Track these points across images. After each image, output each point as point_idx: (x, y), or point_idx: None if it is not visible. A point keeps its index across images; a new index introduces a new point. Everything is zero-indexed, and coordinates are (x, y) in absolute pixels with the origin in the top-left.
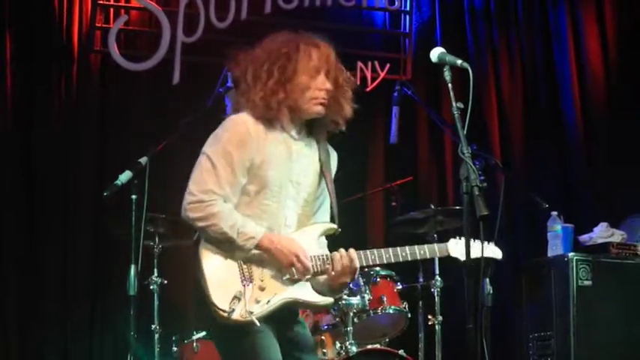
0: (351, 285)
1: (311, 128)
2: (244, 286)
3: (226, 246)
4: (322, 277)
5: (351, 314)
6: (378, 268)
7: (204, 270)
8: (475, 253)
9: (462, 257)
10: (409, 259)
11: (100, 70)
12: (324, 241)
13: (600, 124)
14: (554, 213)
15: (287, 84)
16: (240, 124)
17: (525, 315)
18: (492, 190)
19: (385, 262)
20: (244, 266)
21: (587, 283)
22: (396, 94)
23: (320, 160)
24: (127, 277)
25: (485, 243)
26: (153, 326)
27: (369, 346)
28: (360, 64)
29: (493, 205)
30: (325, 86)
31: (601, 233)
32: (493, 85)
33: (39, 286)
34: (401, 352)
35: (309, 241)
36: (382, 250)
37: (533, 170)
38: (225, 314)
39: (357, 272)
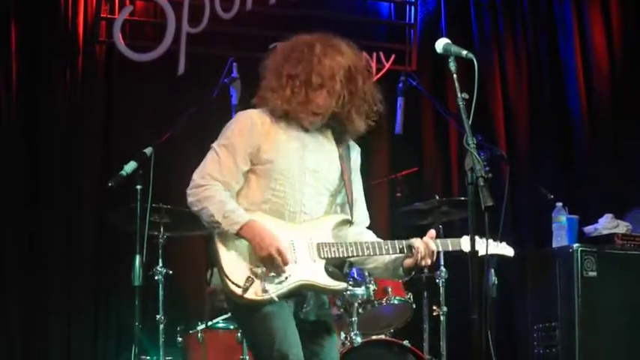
0: (355, 275)
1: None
2: (259, 267)
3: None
4: (389, 259)
5: (356, 305)
6: None
7: (219, 252)
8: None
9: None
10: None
11: (105, 61)
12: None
13: (605, 116)
14: (559, 204)
15: (307, 90)
16: (246, 117)
17: (530, 306)
18: (497, 181)
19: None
20: None
21: (592, 274)
22: (401, 84)
23: (340, 155)
24: (131, 267)
25: (497, 242)
26: (158, 317)
27: (374, 337)
28: (365, 54)
29: (498, 196)
30: (324, 104)
31: (606, 224)
32: (498, 76)
33: (43, 277)
34: (405, 342)
35: (321, 231)
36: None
37: (538, 161)
38: (240, 291)
39: (435, 255)
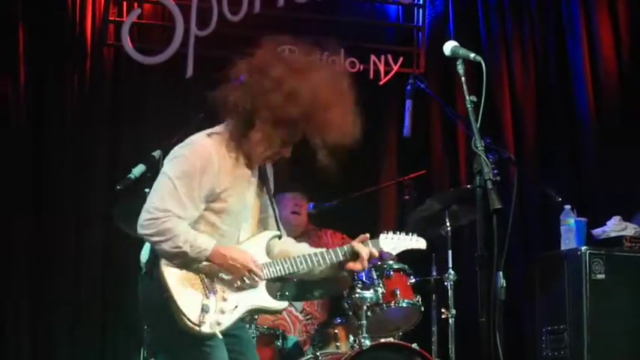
0: (364, 279)
1: None
2: (208, 297)
3: (180, 260)
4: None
5: (365, 308)
6: (391, 262)
7: (169, 285)
8: (402, 246)
9: (394, 251)
10: (334, 260)
11: (113, 64)
12: (282, 241)
13: (613, 117)
14: (568, 206)
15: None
16: (204, 151)
17: (538, 308)
18: (505, 183)
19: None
20: (206, 279)
21: (601, 276)
22: (409, 87)
23: (260, 174)
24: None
25: (410, 235)
26: None
27: (383, 340)
28: (373, 57)
29: (506, 199)
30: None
31: (614, 227)
32: (506, 78)
33: (52, 280)
34: (414, 345)
35: (258, 250)
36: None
37: (547, 164)
38: (197, 327)
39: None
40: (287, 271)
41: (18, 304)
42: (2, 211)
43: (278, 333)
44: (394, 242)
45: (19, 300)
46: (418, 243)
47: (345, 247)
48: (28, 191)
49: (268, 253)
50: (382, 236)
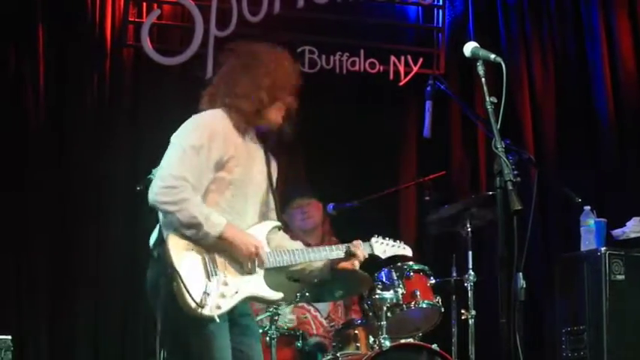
0: (384, 279)
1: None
2: (211, 280)
3: (192, 232)
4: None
5: (385, 309)
6: (411, 263)
7: (174, 263)
8: (391, 251)
9: (383, 255)
10: (329, 257)
11: (133, 65)
12: (280, 235)
13: (633, 119)
14: (587, 207)
15: (272, 97)
16: (208, 122)
17: (558, 309)
18: (525, 184)
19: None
20: (209, 262)
21: (620, 277)
22: (429, 88)
23: (267, 163)
24: None
25: (398, 242)
26: None
27: (403, 341)
28: (393, 58)
29: (526, 200)
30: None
31: (634, 227)
32: (526, 79)
33: (72, 280)
34: (434, 346)
35: (261, 238)
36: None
37: (566, 165)
38: (199, 308)
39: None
40: (285, 263)
41: (37, 302)
42: (23, 212)
43: (298, 334)
44: (384, 246)
45: (37, 298)
46: (405, 250)
47: (340, 246)
48: (49, 190)
49: (267, 243)
50: (373, 239)
